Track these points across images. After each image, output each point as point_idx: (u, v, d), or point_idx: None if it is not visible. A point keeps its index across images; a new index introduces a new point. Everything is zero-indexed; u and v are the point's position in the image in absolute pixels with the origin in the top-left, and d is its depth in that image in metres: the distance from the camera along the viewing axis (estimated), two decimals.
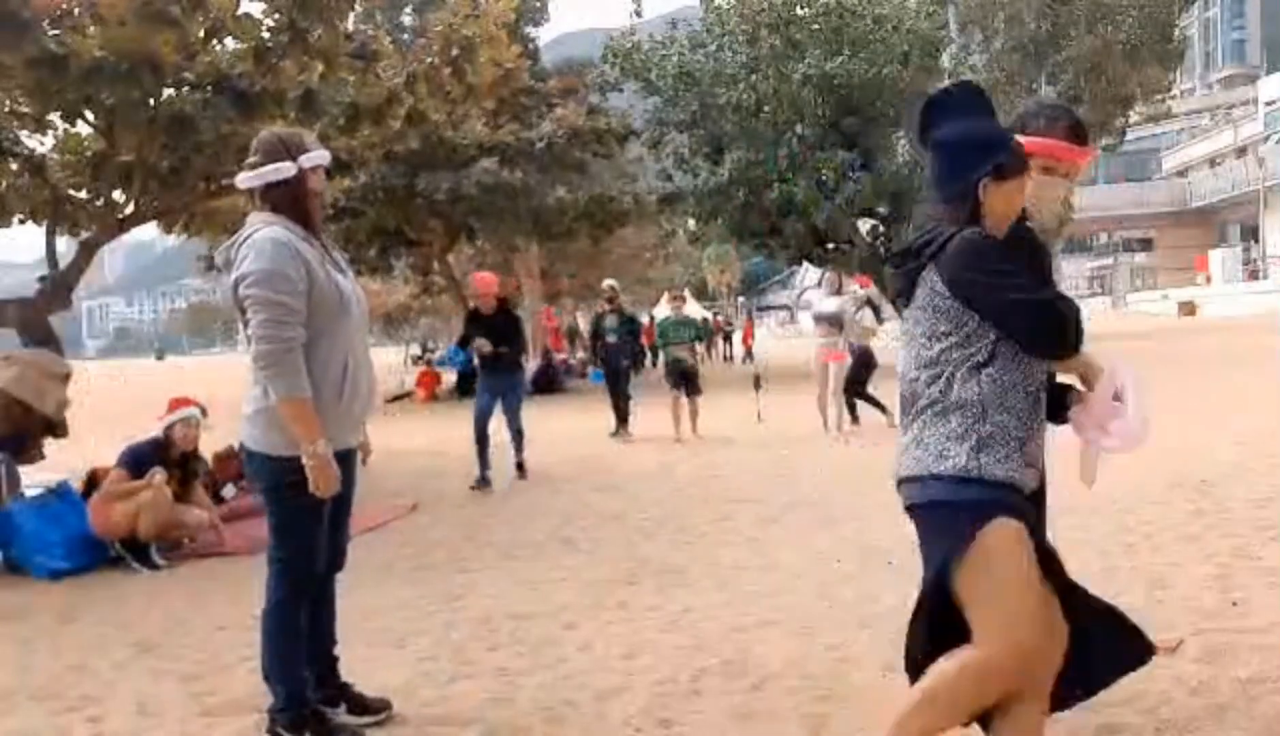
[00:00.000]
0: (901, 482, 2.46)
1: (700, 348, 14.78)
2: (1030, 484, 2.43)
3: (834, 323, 10.47)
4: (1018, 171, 2.44)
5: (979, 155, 2.42)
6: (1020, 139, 2.50)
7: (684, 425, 11.42)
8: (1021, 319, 2.33)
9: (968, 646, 2.35)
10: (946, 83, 2.74)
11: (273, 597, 3.07)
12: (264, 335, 2.89)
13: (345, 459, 3.12)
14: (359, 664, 3.77)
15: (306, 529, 3.05)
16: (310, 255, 2.99)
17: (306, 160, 3.06)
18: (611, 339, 11.96)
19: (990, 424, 2.35)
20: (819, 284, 11.07)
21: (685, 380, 11.65)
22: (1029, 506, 2.41)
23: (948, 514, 2.35)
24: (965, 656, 2.34)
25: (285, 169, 3.05)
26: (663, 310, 12.84)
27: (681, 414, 11.58)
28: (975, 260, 2.36)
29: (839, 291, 10.90)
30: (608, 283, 12.80)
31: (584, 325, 28.07)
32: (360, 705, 3.27)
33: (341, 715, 3.21)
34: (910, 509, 2.45)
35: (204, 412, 6.10)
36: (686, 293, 15.79)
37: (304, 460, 2.91)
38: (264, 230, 2.98)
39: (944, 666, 2.36)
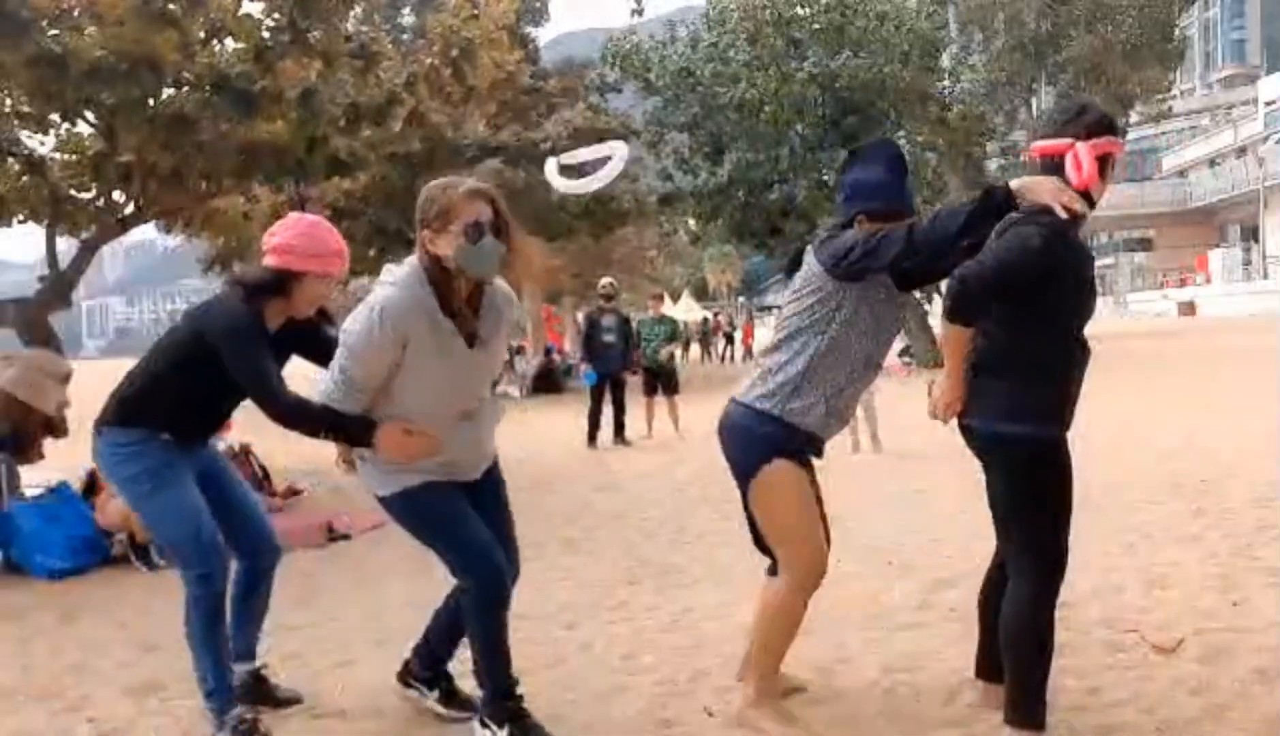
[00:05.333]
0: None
1: (696, 347, 14.59)
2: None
3: None
4: (887, 214, 2.95)
5: (862, 200, 3.02)
6: (1090, 143, 2.71)
7: (660, 424, 11.43)
8: (904, 245, 2.77)
9: (780, 575, 3.09)
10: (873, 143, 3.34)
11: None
12: (321, 391, 2.93)
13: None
14: (360, 664, 3.78)
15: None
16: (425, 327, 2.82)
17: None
18: (609, 339, 11.00)
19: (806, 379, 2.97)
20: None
21: (661, 380, 11.61)
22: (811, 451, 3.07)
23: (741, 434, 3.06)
24: (783, 580, 3.07)
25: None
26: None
27: (657, 413, 11.58)
28: (838, 239, 2.94)
29: None
30: (606, 280, 11.84)
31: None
32: (455, 699, 3.29)
33: (431, 699, 3.26)
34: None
35: None
36: (688, 297, 15.68)
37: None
38: (387, 290, 2.83)
39: (771, 600, 3.10)
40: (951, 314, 2.72)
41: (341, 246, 3.19)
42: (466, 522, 2.98)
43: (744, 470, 3.05)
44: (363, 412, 2.89)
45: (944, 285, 2.81)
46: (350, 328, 2.82)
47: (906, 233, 2.73)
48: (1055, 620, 2.82)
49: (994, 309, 2.73)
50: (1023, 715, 2.78)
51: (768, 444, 2.98)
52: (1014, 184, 2.68)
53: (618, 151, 3.39)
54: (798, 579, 3.03)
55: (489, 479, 3.16)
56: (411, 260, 2.89)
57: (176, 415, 3.18)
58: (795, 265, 3.15)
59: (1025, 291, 2.67)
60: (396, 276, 2.86)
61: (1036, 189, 2.65)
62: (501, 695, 3.03)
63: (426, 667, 3.28)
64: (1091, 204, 2.75)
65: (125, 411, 3.20)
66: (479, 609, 2.99)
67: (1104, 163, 2.76)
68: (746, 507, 3.14)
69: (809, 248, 3.07)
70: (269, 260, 3.14)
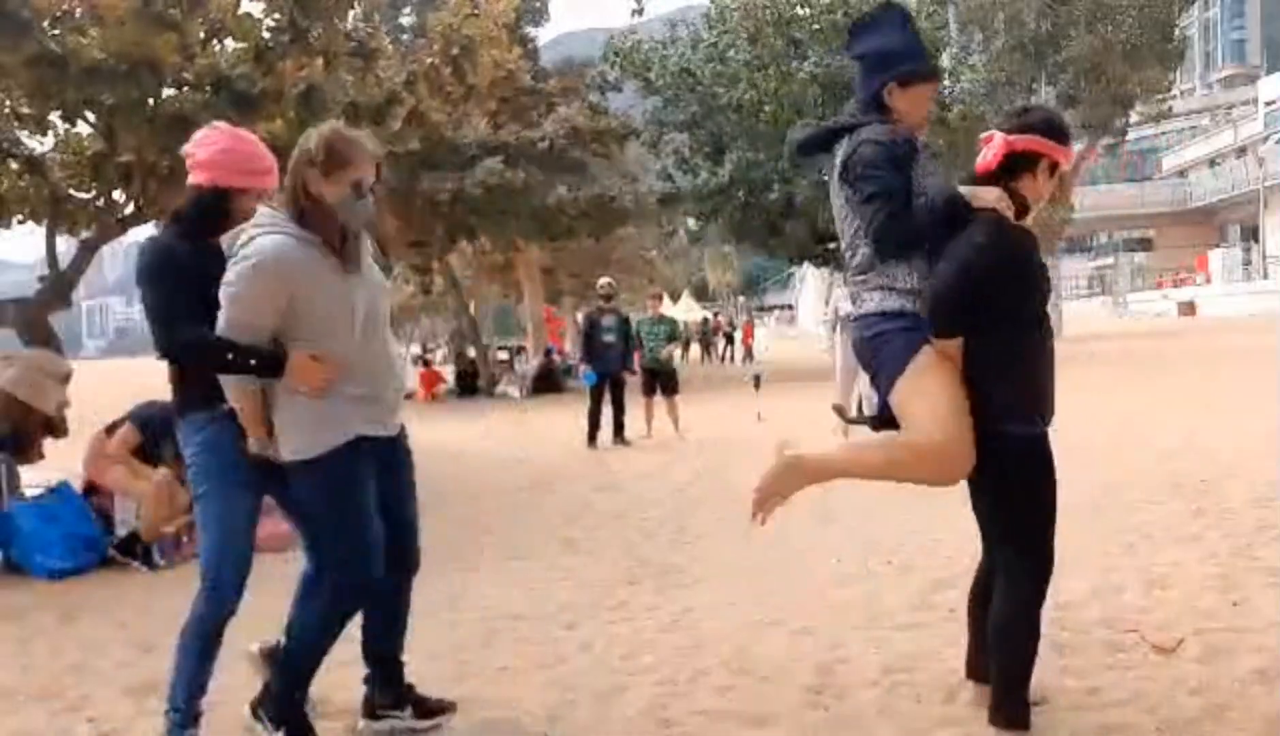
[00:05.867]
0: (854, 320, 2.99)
1: (696, 347, 14.58)
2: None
3: None
4: (921, 78, 2.93)
5: (886, 64, 2.90)
6: (1009, 138, 2.80)
7: (660, 423, 11.45)
8: (870, 214, 2.79)
9: (902, 433, 2.79)
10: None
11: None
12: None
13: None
14: (360, 664, 3.77)
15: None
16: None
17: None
18: (609, 339, 11.00)
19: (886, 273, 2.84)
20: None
21: (661, 379, 11.63)
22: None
23: (886, 339, 2.84)
24: (906, 435, 2.77)
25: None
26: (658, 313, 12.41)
27: (656, 413, 11.60)
28: (866, 150, 2.81)
29: None
30: (604, 280, 11.87)
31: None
32: (424, 708, 3.25)
33: (407, 718, 3.20)
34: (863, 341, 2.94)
35: None
36: (688, 297, 15.67)
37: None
38: (267, 237, 2.85)
39: (887, 441, 2.85)
40: (936, 332, 2.75)
41: (273, 162, 3.13)
42: (365, 517, 2.96)
43: (896, 366, 2.79)
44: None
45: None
46: (231, 279, 2.81)
47: (889, 212, 2.77)
48: (1044, 620, 2.83)
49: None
50: (1008, 715, 2.79)
51: (912, 335, 2.78)
52: (964, 191, 2.80)
53: None
54: (937, 455, 2.71)
55: (400, 455, 3.15)
56: (267, 211, 2.91)
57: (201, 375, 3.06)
58: (810, 146, 3.11)
59: (987, 287, 2.70)
60: (268, 222, 2.87)
61: (981, 196, 2.77)
62: (295, 699, 3.02)
63: (387, 689, 3.20)
64: (1024, 205, 2.80)
65: (181, 398, 3.14)
66: (331, 608, 2.99)
67: (1027, 160, 2.79)
68: (880, 415, 2.91)
69: (841, 153, 2.92)
70: (198, 177, 3.05)
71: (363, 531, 2.96)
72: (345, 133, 2.97)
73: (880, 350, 2.86)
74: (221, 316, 2.84)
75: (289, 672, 3.05)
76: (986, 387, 2.74)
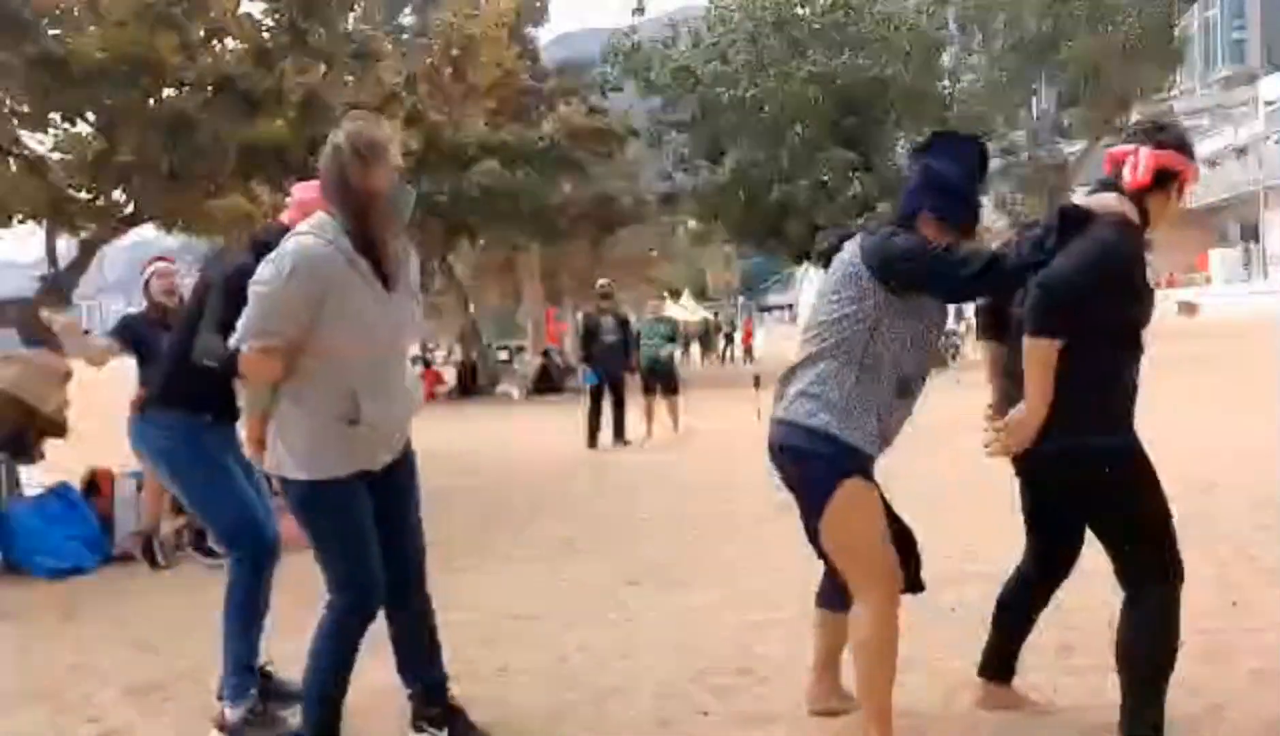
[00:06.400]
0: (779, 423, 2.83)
1: (696, 347, 14.61)
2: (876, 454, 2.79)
3: None
4: (959, 223, 2.78)
5: (937, 195, 2.78)
6: (1155, 153, 2.67)
7: (660, 423, 11.49)
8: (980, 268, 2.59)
9: (858, 606, 2.78)
10: (954, 132, 3.16)
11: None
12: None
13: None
14: (360, 664, 3.77)
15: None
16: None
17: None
18: (609, 339, 10.97)
19: (854, 394, 2.71)
20: None
21: (661, 379, 11.67)
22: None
23: (806, 461, 2.75)
24: (864, 611, 2.75)
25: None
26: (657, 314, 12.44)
27: (657, 412, 11.62)
28: (894, 240, 2.69)
29: None
30: (603, 281, 11.88)
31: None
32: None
33: None
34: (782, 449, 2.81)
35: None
36: (688, 297, 15.67)
37: None
38: (302, 238, 2.78)
39: (861, 634, 2.76)
40: (1039, 327, 2.52)
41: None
42: (363, 536, 2.88)
43: (816, 498, 2.74)
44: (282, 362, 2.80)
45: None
46: (261, 276, 2.72)
47: (984, 267, 2.58)
48: (1045, 621, 2.82)
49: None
50: (1149, 722, 2.72)
51: (833, 466, 2.70)
52: (1083, 200, 2.71)
53: None
54: (882, 596, 2.75)
55: (403, 472, 3.08)
56: (318, 215, 2.84)
57: (198, 383, 3.17)
58: (831, 254, 2.88)
59: (1105, 291, 2.54)
60: (310, 225, 2.80)
61: (1106, 202, 2.67)
62: (324, 723, 2.96)
63: (430, 702, 3.15)
64: (1148, 220, 2.69)
65: (167, 392, 3.28)
66: (339, 628, 2.90)
67: (1167, 176, 2.68)
68: (810, 528, 2.83)
69: (853, 241, 2.80)
70: (292, 214, 3.20)
71: (360, 551, 2.87)
72: (370, 125, 2.90)
73: (800, 469, 2.78)
74: (245, 316, 2.73)
75: (309, 696, 3.00)
76: (1079, 399, 2.58)
